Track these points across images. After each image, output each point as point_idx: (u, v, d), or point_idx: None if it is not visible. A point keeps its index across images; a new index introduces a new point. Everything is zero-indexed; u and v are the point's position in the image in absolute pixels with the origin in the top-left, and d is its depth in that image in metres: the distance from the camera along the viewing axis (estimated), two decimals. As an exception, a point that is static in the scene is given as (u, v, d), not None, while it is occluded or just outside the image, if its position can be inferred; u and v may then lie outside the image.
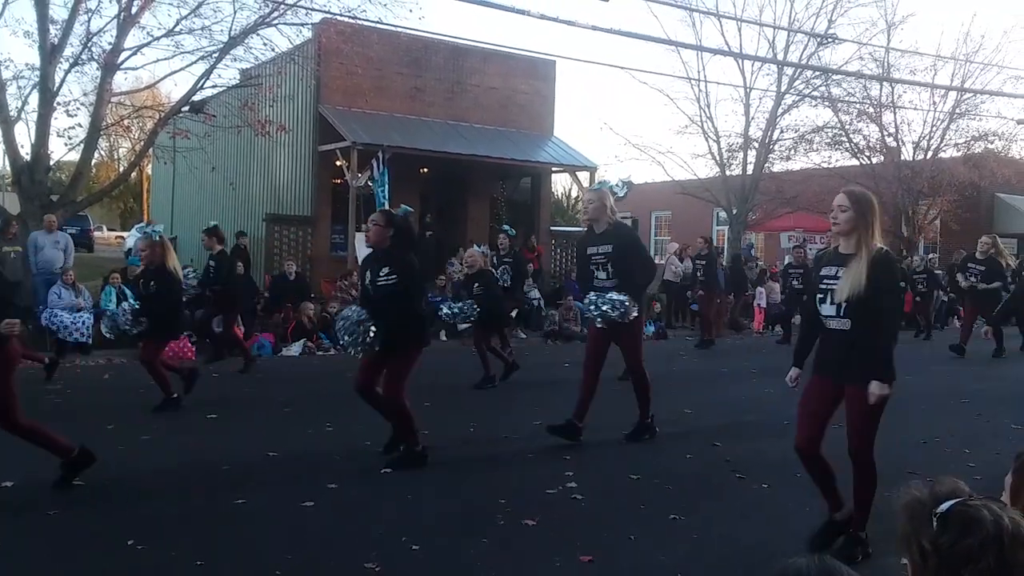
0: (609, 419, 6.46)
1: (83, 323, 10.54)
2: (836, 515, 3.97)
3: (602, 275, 6.09)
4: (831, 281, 3.80)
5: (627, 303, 5.86)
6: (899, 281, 4.05)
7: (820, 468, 3.92)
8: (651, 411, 6.34)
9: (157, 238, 7.21)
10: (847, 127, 22.14)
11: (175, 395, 7.28)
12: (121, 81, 17.90)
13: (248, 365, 9.78)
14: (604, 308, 5.87)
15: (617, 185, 6.20)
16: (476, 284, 8.96)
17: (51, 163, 13.01)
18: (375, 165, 14.51)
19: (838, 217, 3.78)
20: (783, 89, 20.58)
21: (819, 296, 3.87)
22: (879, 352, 3.69)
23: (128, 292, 11.71)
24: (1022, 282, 6.15)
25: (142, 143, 16.93)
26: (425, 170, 17.34)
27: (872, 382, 3.66)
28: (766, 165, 21.37)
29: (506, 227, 11.32)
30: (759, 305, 16.63)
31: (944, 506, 1.37)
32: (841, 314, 3.76)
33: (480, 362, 8.91)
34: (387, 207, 14.69)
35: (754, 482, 5.19)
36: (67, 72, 12.56)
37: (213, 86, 13.88)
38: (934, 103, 21.70)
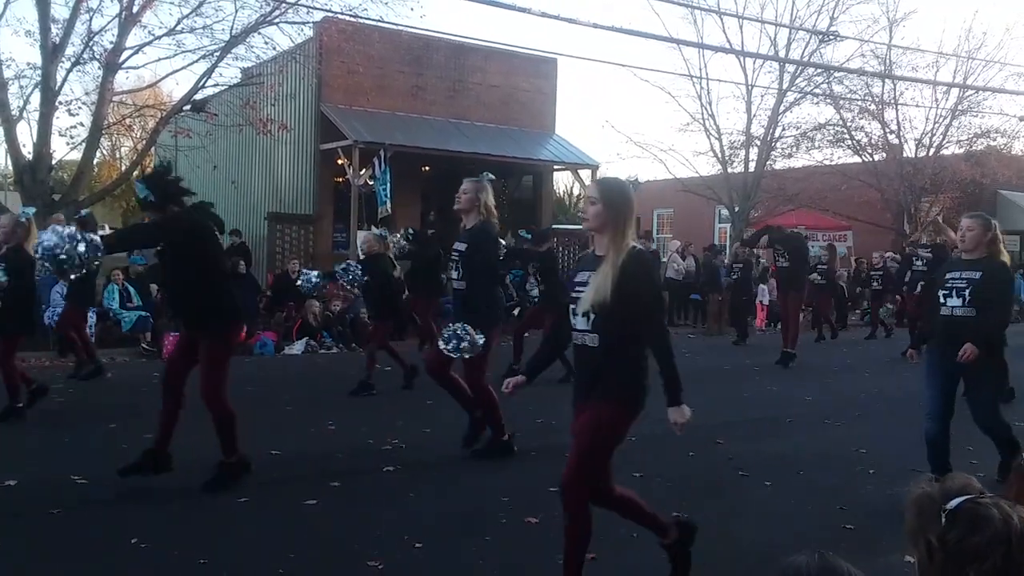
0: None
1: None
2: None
3: (455, 274, 5.60)
4: (582, 288, 3.20)
5: (469, 335, 5.26)
6: (657, 284, 3.39)
7: (622, 507, 3.44)
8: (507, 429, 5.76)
9: (24, 219, 6.84)
10: (849, 124, 22.14)
11: (20, 404, 6.70)
12: (123, 80, 17.81)
13: (87, 372, 8.70)
14: (454, 342, 5.27)
15: None
16: (370, 269, 8.34)
17: (53, 162, 13.03)
18: (377, 163, 14.50)
19: (587, 211, 3.25)
20: (785, 86, 20.57)
21: (571, 306, 3.26)
22: (664, 370, 3.19)
23: (132, 290, 11.70)
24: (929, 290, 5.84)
25: (144, 142, 16.94)
26: (426, 168, 17.33)
27: (670, 408, 3.19)
28: (768, 162, 21.37)
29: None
30: (761, 302, 16.62)
31: (953, 502, 1.35)
32: (590, 327, 3.18)
33: (394, 361, 8.60)
34: (388, 206, 14.75)
35: (756, 480, 5.19)
36: (69, 71, 12.58)
37: (215, 85, 13.92)
38: (936, 100, 21.73)
